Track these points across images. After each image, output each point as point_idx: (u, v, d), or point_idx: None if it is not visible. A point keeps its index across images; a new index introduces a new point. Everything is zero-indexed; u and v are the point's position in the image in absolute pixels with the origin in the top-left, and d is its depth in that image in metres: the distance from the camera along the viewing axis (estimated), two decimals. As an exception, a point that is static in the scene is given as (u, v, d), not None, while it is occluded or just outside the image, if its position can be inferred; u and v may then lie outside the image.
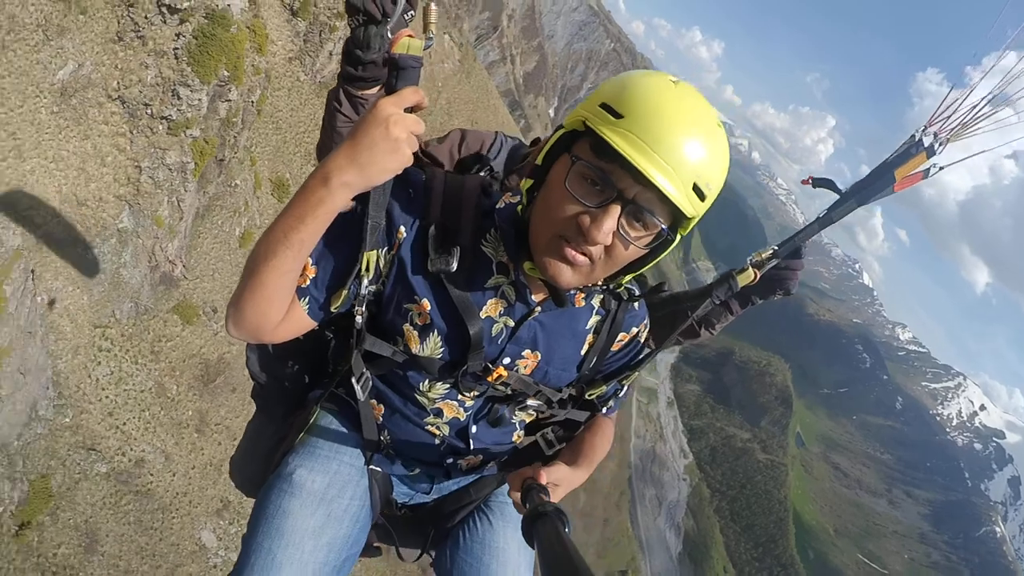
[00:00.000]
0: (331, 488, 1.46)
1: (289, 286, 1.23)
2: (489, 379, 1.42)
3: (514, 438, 1.68)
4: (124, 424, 6.15)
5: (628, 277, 1.32)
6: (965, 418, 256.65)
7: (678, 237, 1.19)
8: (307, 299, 1.30)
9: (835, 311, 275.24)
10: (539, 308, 1.39)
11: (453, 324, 1.36)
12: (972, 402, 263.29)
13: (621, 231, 1.13)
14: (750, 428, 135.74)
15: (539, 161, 1.23)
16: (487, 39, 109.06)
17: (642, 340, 1.65)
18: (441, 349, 1.39)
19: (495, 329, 1.39)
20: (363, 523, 1.53)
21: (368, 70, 1.31)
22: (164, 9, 5.69)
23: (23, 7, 4.67)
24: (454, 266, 1.30)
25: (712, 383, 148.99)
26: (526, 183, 1.27)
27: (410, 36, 1.18)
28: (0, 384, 4.57)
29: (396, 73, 1.18)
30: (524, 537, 1.16)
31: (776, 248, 1.72)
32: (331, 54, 10.75)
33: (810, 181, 1.78)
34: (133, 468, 6.17)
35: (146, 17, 5.63)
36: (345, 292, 1.30)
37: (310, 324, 1.34)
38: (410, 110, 1.13)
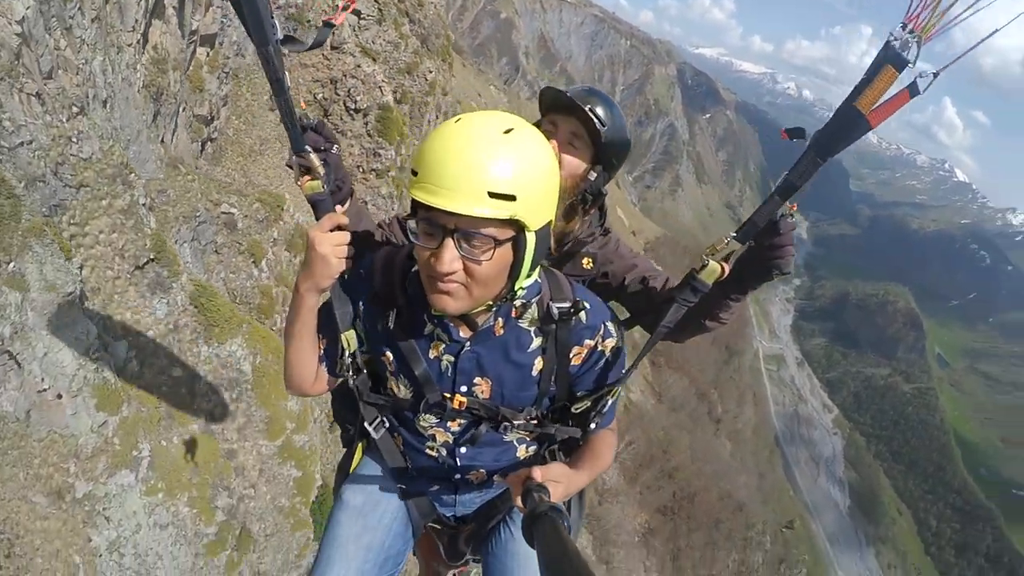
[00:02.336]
0: (367, 504, 2.07)
1: (309, 358, 1.86)
2: (453, 407, 1.83)
3: (519, 454, 2.03)
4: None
5: (521, 281, 1.58)
6: None
7: (531, 234, 1.46)
8: (324, 363, 1.92)
9: (939, 219, 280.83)
10: (468, 342, 1.76)
11: (408, 369, 1.82)
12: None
13: (465, 255, 1.43)
14: (887, 363, 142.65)
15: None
16: (513, 81, 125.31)
17: (604, 349, 1.86)
18: (409, 389, 1.88)
19: (442, 366, 1.81)
20: (397, 531, 2.11)
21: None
22: (351, 111, 11.89)
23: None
24: (391, 324, 1.78)
25: (836, 331, 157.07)
26: (404, 217, 1.85)
27: (310, 181, 1.78)
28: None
29: (313, 206, 1.81)
30: (524, 536, 1.31)
31: (734, 235, 1.84)
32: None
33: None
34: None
35: (340, 118, 11.63)
36: (342, 360, 1.91)
37: (334, 380, 1.98)
38: (340, 227, 1.69)
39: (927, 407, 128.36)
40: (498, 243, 1.43)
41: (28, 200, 4.60)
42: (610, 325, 1.88)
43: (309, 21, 12.44)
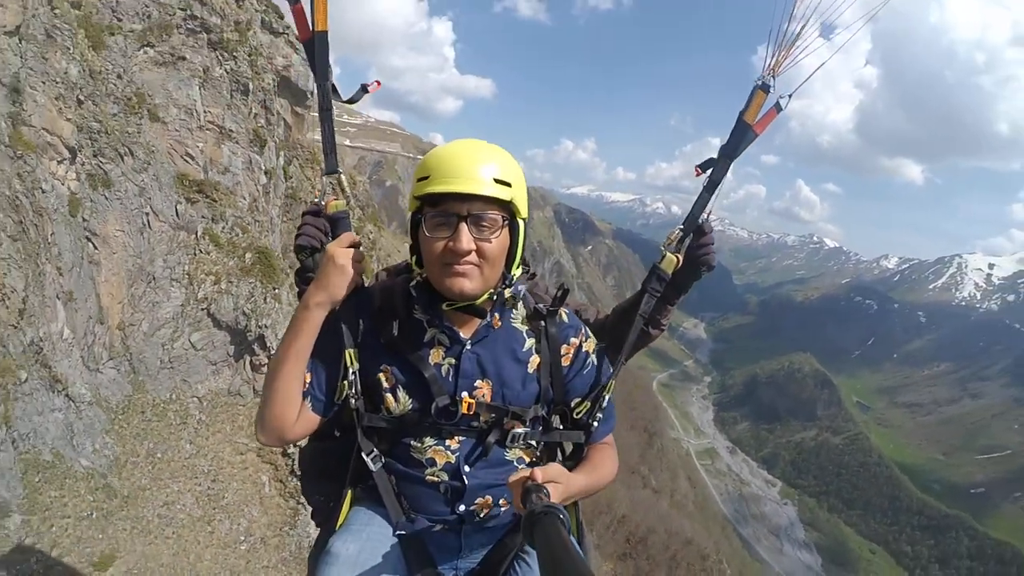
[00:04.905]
0: (363, 553, 2.00)
1: (296, 390, 2.00)
2: (463, 410, 2.02)
3: None
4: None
5: (514, 267, 2.00)
6: (984, 286, 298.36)
7: (521, 221, 1.93)
8: (310, 399, 2.05)
9: (820, 285, 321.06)
10: (469, 342, 2.04)
11: (411, 375, 2.04)
12: (981, 269, 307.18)
13: (476, 236, 1.82)
14: (812, 425, 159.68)
15: (412, 241, 2.01)
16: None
17: (588, 350, 2.24)
18: (409, 401, 2.05)
19: (444, 371, 2.04)
20: None
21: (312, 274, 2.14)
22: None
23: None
24: (395, 331, 2.05)
25: (756, 412, 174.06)
26: (413, 258, 2.06)
27: (335, 200, 2.18)
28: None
29: (334, 224, 2.17)
30: (524, 537, 1.38)
31: (682, 227, 2.42)
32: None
33: (697, 171, 2.40)
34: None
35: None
36: (344, 383, 2.08)
37: (315, 419, 2.08)
38: (353, 245, 2.05)
39: (862, 451, 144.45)
40: (501, 225, 1.87)
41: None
42: (587, 329, 2.33)
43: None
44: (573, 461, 2.29)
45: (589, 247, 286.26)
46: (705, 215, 2.41)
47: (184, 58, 11.93)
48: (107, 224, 10.28)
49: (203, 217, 12.01)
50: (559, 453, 2.38)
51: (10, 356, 7.75)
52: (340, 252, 1.99)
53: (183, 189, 11.77)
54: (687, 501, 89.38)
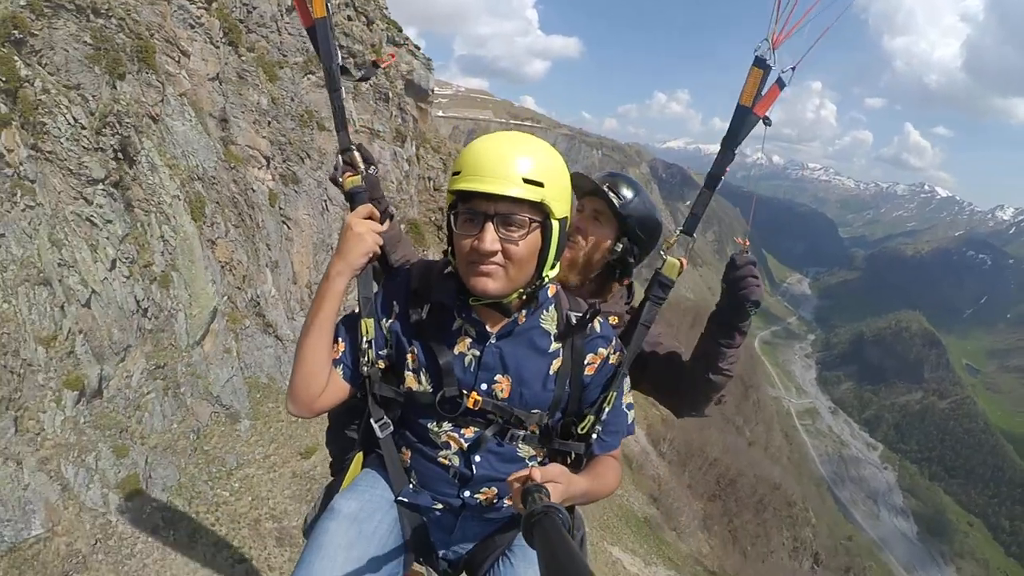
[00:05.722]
0: (362, 511, 2.09)
1: (325, 360, 2.06)
2: (468, 405, 2.03)
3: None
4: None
5: (547, 269, 1.94)
6: None
7: (555, 222, 1.85)
8: (341, 367, 2.11)
9: (932, 238, 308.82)
10: (494, 336, 2.03)
11: (433, 360, 2.05)
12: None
13: (503, 236, 1.78)
14: (918, 387, 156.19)
15: (447, 233, 1.95)
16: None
17: (614, 363, 2.20)
18: (430, 384, 2.07)
19: (467, 361, 2.04)
20: (391, 547, 2.12)
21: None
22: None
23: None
24: (424, 315, 2.06)
25: (860, 372, 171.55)
26: (446, 249, 2.02)
27: (351, 176, 2.26)
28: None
29: (351, 198, 2.23)
30: (524, 538, 1.37)
31: (681, 229, 2.34)
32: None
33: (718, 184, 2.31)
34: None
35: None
36: (365, 355, 2.12)
37: (346, 387, 2.13)
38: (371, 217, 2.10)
39: (968, 416, 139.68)
40: (530, 226, 1.81)
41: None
42: (618, 340, 2.25)
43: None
44: (575, 468, 2.23)
45: (688, 202, 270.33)
46: (741, 243, 2.30)
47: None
48: (297, 210, 13.58)
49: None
50: (568, 456, 2.29)
51: (238, 310, 10.91)
52: (357, 222, 2.05)
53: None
54: (781, 455, 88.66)
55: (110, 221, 8.11)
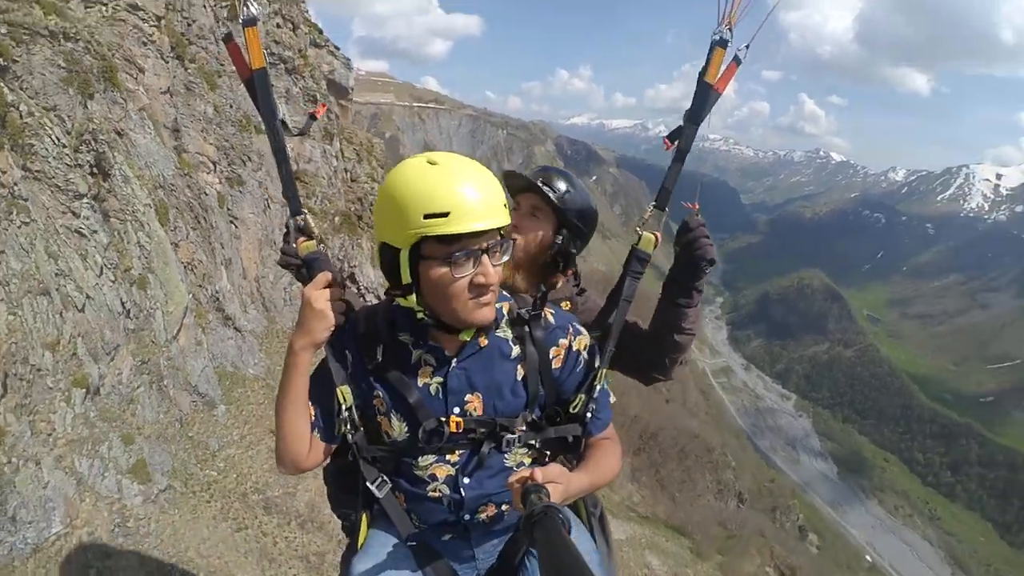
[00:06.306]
0: (381, 572, 2.09)
1: (303, 427, 2.03)
2: (451, 429, 2.00)
3: None
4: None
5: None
6: (992, 197, 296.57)
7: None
8: (316, 430, 2.08)
9: (829, 201, 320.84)
10: (455, 359, 2.01)
11: (400, 400, 2.02)
12: (989, 180, 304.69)
13: (494, 264, 1.82)
14: (824, 339, 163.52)
15: (406, 280, 1.85)
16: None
17: (579, 348, 2.17)
18: (403, 422, 2.04)
19: (432, 390, 2.02)
20: None
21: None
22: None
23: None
24: (379, 357, 2.01)
25: (768, 329, 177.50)
26: (407, 300, 1.92)
27: (306, 242, 2.15)
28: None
29: (308, 265, 2.13)
30: (524, 538, 1.52)
31: (654, 204, 2.35)
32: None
33: (667, 144, 2.35)
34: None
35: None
36: (340, 420, 2.07)
37: (326, 447, 2.12)
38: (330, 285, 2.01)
39: (873, 362, 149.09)
40: (503, 247, 1.86)
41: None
42: (578, 324, 2.21)
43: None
44: (574, 453, 2.27)
45: (594, 177, 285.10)
46: (691, 207, 2.41)
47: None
48: (243, 210, 14.48)
49: (302, 196, 16.54)
50: (564, 452, 2.30)
51: (202, 305, 11.79)
52: (316, 296, 1.97)
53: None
54: (698, 409, 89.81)
55: (95, 231, 8.79)
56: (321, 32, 21.04)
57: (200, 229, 12.45)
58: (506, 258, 1.87)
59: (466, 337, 1.97)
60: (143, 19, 12.16)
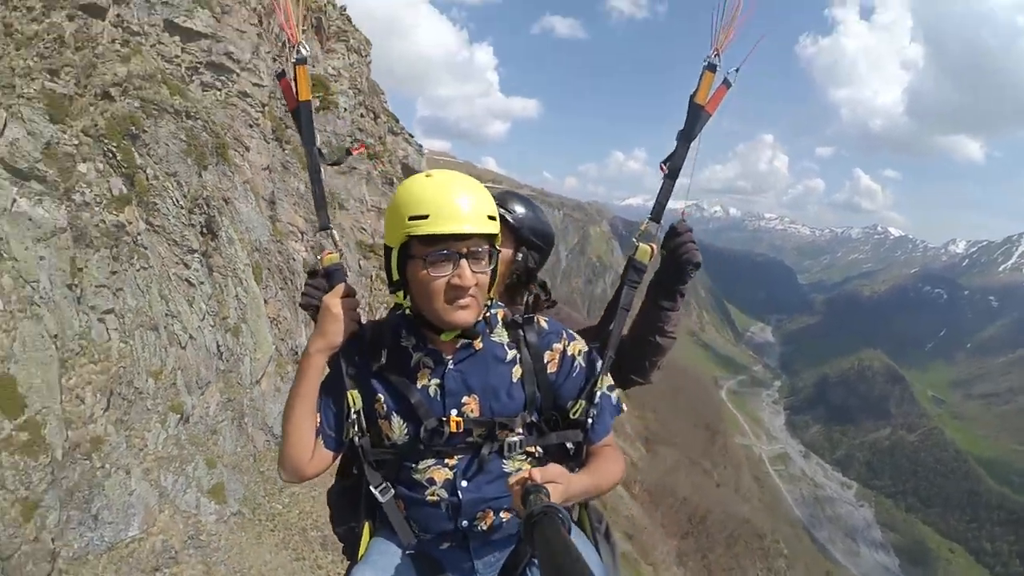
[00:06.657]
0: None
1: (308, 430, 2.08)
2: (451, 429, 2.05)
3: None
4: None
5: (492, 292, 2.07)
6: None
7: (497, 249, 1.99)
8: (322, 437, 2.11)
9: (888, 278, 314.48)
10: (451, 361, 2.08)
11: (401, 401, 2.08)
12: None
13: (475, 270, 1.88)
14: (886, 423, 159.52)
15: (395, 277, 2.00)
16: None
17: (574, 353, 2.22)
18: (404, 427, 2.09)
19: (431, 392, 2.08)
20: None
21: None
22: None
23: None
24: (383, 359, 2.11)
25: (827, 413, 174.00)
26: (399, 296, 2.06)
27: (330, 255, 2.26)
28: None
29: (328, 276, 2.23)
30: (524, 538, 1.41)
31: (650, 217, 2.45)
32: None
33: (662, 168, 2.43)
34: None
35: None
36: (348, 423, 2.11)
37: (329, 455, 2.15)
38: (346, 294, 2.13)
39: (938, 446, 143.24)
40: (490, 256, 1.95)
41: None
42: (571, 331, 2.30)
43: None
44: (576, 463, 2.25)
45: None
46: (680, 214, 2.49)
47: (355, 168, 18.51)
48: None
49: (374, 267, 17.81)
50: (565, 462, 2.20)
51: (282, 356, 13.14)
52: (334, 302, 2.09)
53: (361, 250, 18.41)
54: (751, 496, 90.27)
55: (202, 282, 10.21)
56: (397, 121, 23.32)
57: (287, 289, 14.07)
58: (491, 266, 1.98)
59: (447, 338, 2.05)
60: (251, 104, 14.17)
